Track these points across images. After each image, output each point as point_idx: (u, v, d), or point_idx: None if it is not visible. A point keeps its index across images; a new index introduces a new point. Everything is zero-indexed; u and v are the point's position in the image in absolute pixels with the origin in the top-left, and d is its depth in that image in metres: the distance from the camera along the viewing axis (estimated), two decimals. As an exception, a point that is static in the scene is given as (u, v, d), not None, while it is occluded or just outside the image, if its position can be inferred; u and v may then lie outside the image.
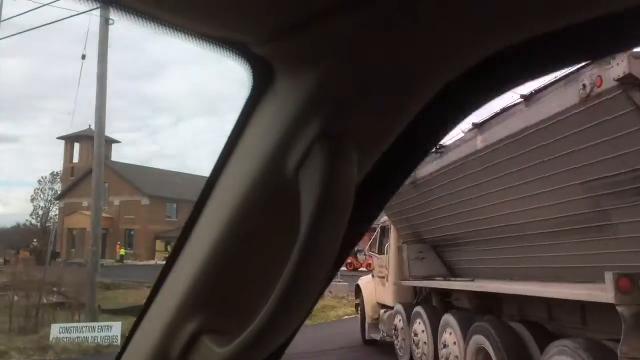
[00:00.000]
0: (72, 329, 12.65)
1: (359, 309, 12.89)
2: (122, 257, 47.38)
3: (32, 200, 63.02)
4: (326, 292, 21.52)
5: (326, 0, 0.55)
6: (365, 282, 12.78)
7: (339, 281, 25.05)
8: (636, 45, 0.69)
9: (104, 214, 56.72)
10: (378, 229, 12.28)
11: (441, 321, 8.31)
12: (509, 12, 0.57)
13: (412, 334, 9.29)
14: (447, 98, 0.66)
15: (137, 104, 78.86)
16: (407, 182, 9.26)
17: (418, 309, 9.37)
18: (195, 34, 0.59)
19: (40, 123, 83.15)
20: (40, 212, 62.84)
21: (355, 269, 39.33)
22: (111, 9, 0.55)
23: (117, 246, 48.93)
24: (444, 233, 9.07)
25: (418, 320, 9.19)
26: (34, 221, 62.83)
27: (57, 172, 61.46)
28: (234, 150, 0.73)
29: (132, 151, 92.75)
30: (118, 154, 57.08)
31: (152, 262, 45.82)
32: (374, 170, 0.70)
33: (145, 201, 55.18)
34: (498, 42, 0.60)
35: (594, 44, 0.63)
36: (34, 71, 78.37)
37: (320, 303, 19.37)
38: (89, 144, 54.27)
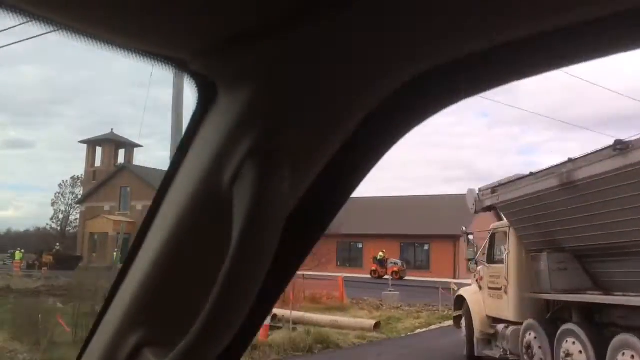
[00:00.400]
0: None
1: (462, 322, 11.83)
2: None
3: (53, 204, 62.44)
4: (377, 303, 22.05)
5: (256, 19, 0.57)
6: (470, 293, 11.74)
7: (390, 290, 24.10)
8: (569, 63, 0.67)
9: (126, 219, 56.17)
10: (487, 237, 11.27)
11: (614, 343, 7.32)
12: (446, 29, 0.59)
13: (563, 355, 8.28)
14: (390, 110, 0.67)
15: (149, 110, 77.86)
16: (551, 184, 8.40)
17: (570, 326, 8.36)
18: (135, 51, 0.61)
19: (55, 129, 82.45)
20: (61, 216, 62.17)
21: (380, 277, 38.98)
22: (50, 27, 0.56)
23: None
24: (601, 241, 8.06)
25: (571, 340, 8.18)
26: (54, 225, 62.21)
27: (78, 176, 60.85)
28: (180, 165, 0.74)
29: (144, 157, 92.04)
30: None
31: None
32: (321, 182, 0.71)
33: (167, 206, 54.22)
34: (436, 56, 0.62)
35: (538, 58, 0.65)
36: (49, 77, 77.83)
37: (383, 314, 18.35)
38: (111, 148, 53.66)
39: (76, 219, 55.75)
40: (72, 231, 59.81)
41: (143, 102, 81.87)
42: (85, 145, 54.66)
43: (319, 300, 20.18)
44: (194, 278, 0.76)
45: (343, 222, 39.44)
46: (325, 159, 0.69)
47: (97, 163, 54.97)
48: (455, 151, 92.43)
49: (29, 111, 77.83)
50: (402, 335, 15.32)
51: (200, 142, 0.71)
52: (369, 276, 39.07)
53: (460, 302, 12.06)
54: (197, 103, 0.69)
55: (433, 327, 17.01)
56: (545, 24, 0.59)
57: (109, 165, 56.03)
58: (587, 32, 0.60)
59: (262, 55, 0.60)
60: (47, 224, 62.72)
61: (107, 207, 56.51)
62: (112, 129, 54.65)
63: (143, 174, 57.67)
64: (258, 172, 0.60)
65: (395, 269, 39.37)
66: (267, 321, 12.45)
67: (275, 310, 15.63)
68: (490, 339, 10.78)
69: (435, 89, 0.68)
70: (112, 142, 53.64)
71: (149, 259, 0.77)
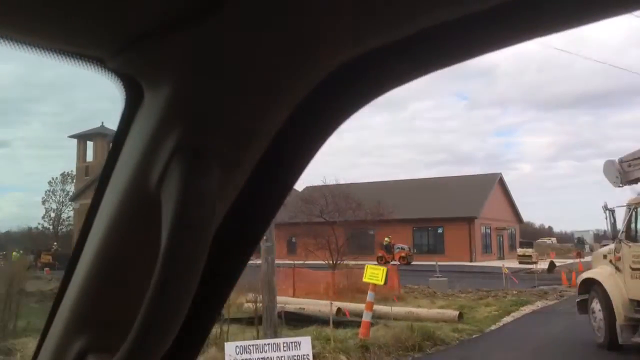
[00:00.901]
0: (251, 347, 10.26)
1: (591, 307, 10.71)
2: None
3: (44, 202, 59.81)
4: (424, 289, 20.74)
5: (167, 13, 0.56)
6: (605, 275, 10.57)
7: (438, 277, 23.08)
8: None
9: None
10: (630, 212, 10.14)
11: None
12: (375, 11, 0.58)
13: None
14: (322, 98, 0.67)
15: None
16: None
17: None
18: (57, 52, 0.60)
19: (32, 127, 79.12)
20: (53, 215, 59.67)
21: (387, 263, 38.31)
22: None
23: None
24: None
25: None
26: (46, 224, 59.72)
27: (67, 173, 58.39)
28: (113, 167, 0.73)
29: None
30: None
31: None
32: (259, 176, 0.71)
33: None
34: (360, 46, 0.62)
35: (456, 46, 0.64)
36: (25, 75, 74.46)
37: (449, 303, 17.23)
38: (103, 142, 51.30)
39: (69, 217, 53.33)
40: (64, 230, 57.40)
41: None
42: (75, 141, 52.21)
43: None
44: (130, 283, 0.74)
45: (354, 209, 38.69)
46: (258, 154, 0.68)
47: (89, 158, 52.63)
48: (436, 135, 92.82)
49: (4, 109, 74.47)
50: (493, 326, 14.07)
51: (129, 142, 0.70)
52: (376, 263, 38.28)
53: (587, 285, 10.95)
54: (125, 103, 0.68)
55: (515, 314, 15.89)
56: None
57: (101, 160, 53.84)
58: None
59: (178, 50, 0.58)
60: (39, 224, 60.08)
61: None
62: (102, 122, 52.17)
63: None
64: (184, 171, 0.59)
65: (403, 254, 38.73)
66: (368, 318, 11.20)
67: (338, 304, 14.47)
68: (637, 324, 9.69)
69: (371, 74, 0.67)
70: (104, 136, 51.25)
71: (88, 264, 0.76)
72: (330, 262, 28.52)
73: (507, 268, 23.25)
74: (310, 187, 39.78)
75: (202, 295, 0.65)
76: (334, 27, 0.59)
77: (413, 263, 37.47)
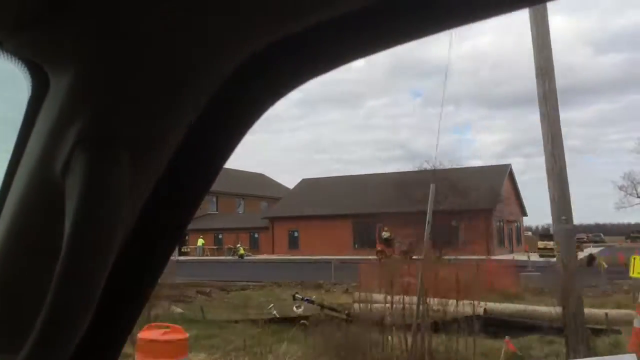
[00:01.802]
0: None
1: None
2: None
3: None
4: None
5: None
6: None
7: (530, 271, 20.98)
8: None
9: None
10: None
11: None
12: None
13: None
14: (239, 88, 0.65)
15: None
16: None
17: None
18: None
19: None
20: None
21: (387, 257, 36.50)
22: None
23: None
24: None
25: None
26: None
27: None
28: (20, 158, 0.70)
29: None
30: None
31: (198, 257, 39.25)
32: (178, 167, 0.68)
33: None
34: (265, 38, 0.60)
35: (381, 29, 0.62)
36: None
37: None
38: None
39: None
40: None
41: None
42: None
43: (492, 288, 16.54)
44: (34, 277, 0.70)
45: (360, 201, 36.35)
46: (172, 146, 0.66)
47: None
48: (392, 132, 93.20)
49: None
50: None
51: (36, 131, 0.66)
52: (375, 257, 36.25)
53: None
54: (30, 90, 0.65)
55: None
56: None
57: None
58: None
59: (80, 32, 0.55)
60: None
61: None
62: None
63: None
64: (88, 161, 0.57)
65: (404, 249, 36.88)
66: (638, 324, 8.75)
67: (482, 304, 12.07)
68: None
69: (282, 66, 0.65)
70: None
71: None
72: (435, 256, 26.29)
73: (531, 260, 21.42)
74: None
75: (120, 291, 0.65)
76: (237, 21, 0.56)
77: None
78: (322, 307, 12.64)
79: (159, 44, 0.56)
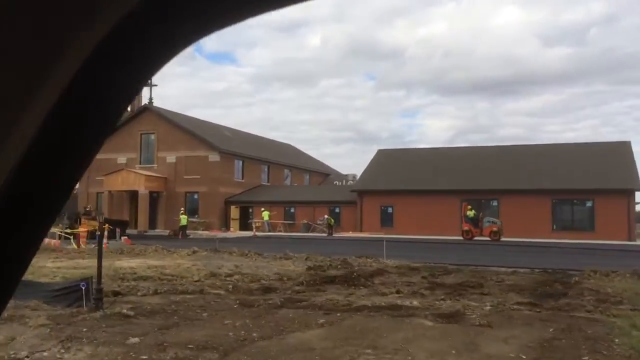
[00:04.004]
0: None
1: None
2: (183, 227, 34.69)
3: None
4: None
5: None
6: None
7: None
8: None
9: (152, 173, 43.47)
10: None
11: None
12: None
13: None
14: (113, 54, 0.60)
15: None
16: None
17: None
18: None
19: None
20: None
21: (472, 238, 32.25)
22: None
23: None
24: None
25: None
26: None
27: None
28: None
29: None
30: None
31: (233, 233, 33.92)
32: (51, 132, 0.62)
33: (214, 157, 42.40)
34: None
35: None
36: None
37: None
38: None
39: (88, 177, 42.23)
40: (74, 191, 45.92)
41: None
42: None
43: None
44: None
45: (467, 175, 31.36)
46: (51, 102, 0.59)
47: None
48: (344, 113, 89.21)
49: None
50: None
51: None
52: (488, 238, 31.68)
53: None
54: None
55: None
56: None
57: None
58: None
59: None
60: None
61: (122, 160, 43.48)
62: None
63: (175, 118, 44.89)
64: None
65: (495, 229, 32.40)
66: None
67: None
68: None
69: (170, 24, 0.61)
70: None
71: None
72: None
73: None
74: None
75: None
76: None
77: (502, 239, 31.45)
78: None
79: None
